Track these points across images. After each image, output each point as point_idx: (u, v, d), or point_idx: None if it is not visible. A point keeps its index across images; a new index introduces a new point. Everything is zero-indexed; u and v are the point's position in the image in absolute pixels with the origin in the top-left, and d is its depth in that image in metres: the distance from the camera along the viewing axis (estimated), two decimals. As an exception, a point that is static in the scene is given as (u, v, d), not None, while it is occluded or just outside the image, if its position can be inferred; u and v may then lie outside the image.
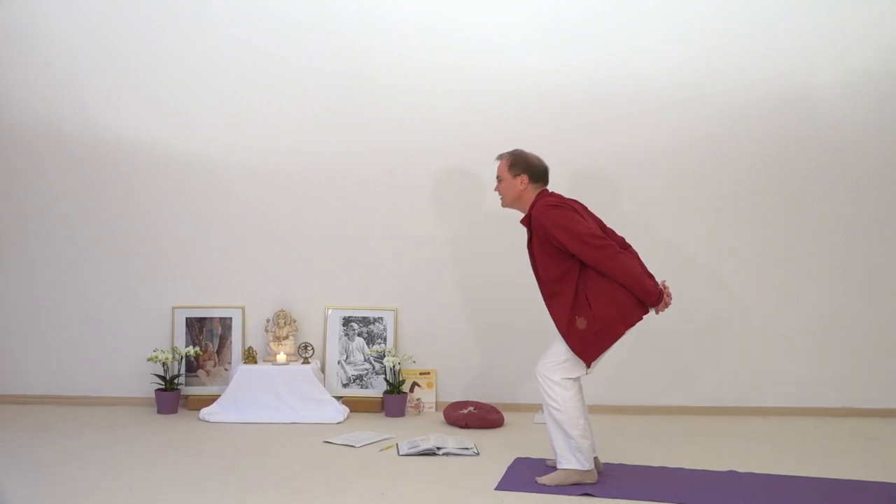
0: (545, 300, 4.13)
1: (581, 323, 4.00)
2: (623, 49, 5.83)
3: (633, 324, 4.06)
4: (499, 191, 4.30)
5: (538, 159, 4.27)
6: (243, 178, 5.90)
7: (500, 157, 4.30)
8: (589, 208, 4.32)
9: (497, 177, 4.29)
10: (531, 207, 4.16)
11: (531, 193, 4.21)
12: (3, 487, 3.93)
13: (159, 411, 5.59)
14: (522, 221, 4.23)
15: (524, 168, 4.21)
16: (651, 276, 4.14)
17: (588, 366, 4.06)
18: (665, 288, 4.12)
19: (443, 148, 5.84)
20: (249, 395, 5.43)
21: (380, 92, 5.86)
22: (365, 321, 5.92)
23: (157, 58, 5.86)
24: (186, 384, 5.81)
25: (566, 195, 4.28)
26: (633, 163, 5.85)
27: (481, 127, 5.77)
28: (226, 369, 5.85)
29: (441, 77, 5.84)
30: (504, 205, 4.33)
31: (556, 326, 4.06)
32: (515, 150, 4.29)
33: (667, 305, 4.11)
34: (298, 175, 5.90)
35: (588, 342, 4.00)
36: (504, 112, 5.82)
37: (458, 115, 5.84)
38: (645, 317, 4.13)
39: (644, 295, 4.03)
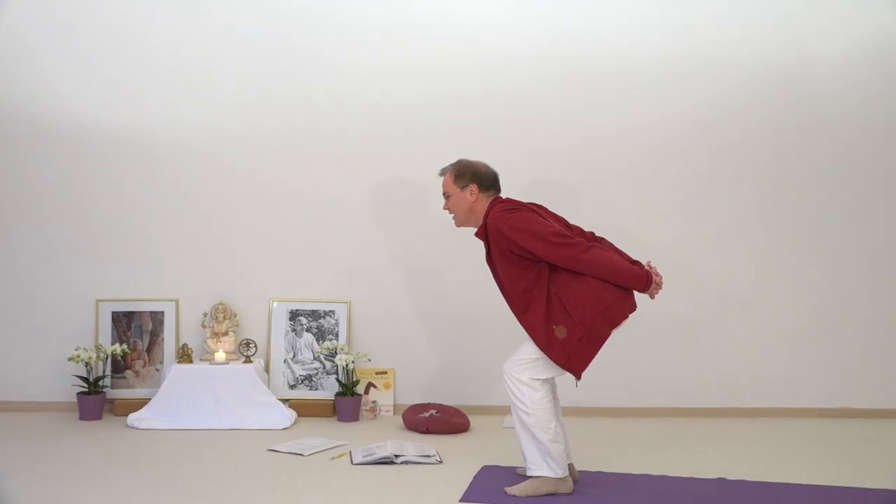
0: (518, 317, 4.14)
1: (560, 332, 4.01)
2: (600, 24, 5.86)
3: (618, 323, 4.09)
4: (448, 209, 4.32)
5: (485, 165, 4.31)
6: (177, 154, 5.86)
7: (442, 172, 4.34)
8: (549, 209, 4.33)
9: (444, 193, 4.32)
10: (485, 217, 4.18)
11: (483, 203, 4.23)
12: None
13: (81, 417, 5.55)
14: (477, 234, 4.24)
15: (471, 177, 4.24)
16: (635, 262, 4.17)
17: (578, 377, 4.08)
18: (652, 268, 4.16)
19: (406, 126, 5.86)
20: (184, 399, 5.40)
21: (331, 69, 5.86)
22: (314, 315, 5.90)
23: (88, 27, 5.78)
24: (112, 386, 5.77)
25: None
26: (610, 148, 5.89)
27: (447, 106, 5.81)
28: (157, 370, 5.81)
29: (403, 50, 5.85)
30: (458, 223, 4.35)
31: (535, 342, 4.06)
32: (458, 161, 4.34)
33: (659, 287, 4.16)
34: (239, 150, 5.87)
35: (572, 352, 4.01)
36: (474, 90, 5.85)
37: (422, 92, 5.85)
38: (635, 309, 4.17)
39: (631, 282, 4.06)
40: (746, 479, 4.43)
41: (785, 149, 5.94)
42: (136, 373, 5.82)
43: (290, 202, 5.91)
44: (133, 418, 5.38)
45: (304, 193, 5.91)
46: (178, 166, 5.87)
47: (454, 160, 4.36)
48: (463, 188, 4.24)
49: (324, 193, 5.91)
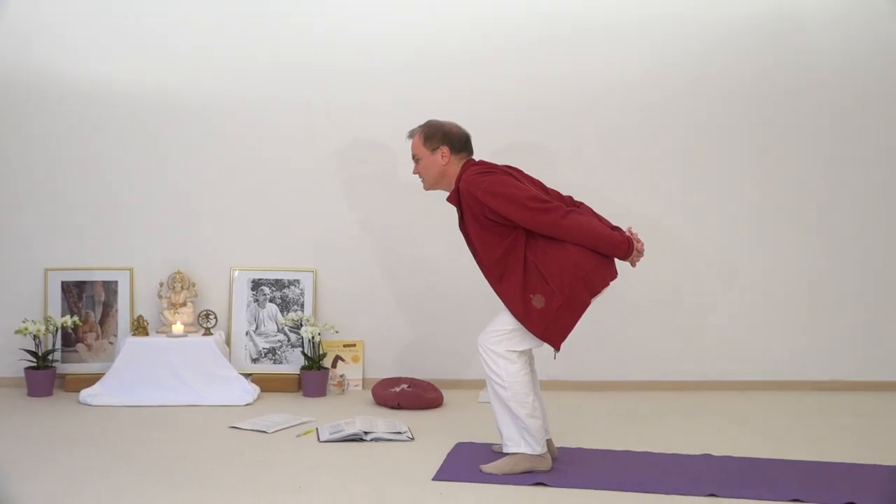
0: (494, 286, 4.14)
1: (538, 301, 4.01)
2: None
3: (599, 291, 4.09)
4: (418, 172, 4.31)
5: (457, 126, 4.30)
6: (132, 117, 5.83)
7: (411, 134, 4.32)
8: (525, 171, 4.31)
9: (413, 156, 4.30)
10: (457, 181, 4.17)
11: (455, 167, 4.23)
12: None
13: (30, 393, 5.53)
14: (450, 199, 4.22)
15: (442, 139, 4.23)
16: (615, 228, 4.17)
17: (557, 349, 4.09)
18: (633, 235, 4.16)
19: (373, 88, 5.84)
20: (139, 374, 5.40)
21: (293, 32, 5.85)
22: (278, 284, 5.88)
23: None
24: (63, 361, 5.75)
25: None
26: (590, 108, 5.89)
27: (414, 67, 5.82)
28: (110, 343, 5.80)
29: (367, 12, 5.86)
30: (427, 187, 4.34)
31: (512, 312, 4.06)
32: (428, 122, 4.32)
33: (640, 254, 4.16)
34: (198, 114, 5.84)
35: (551, 323, 4.02)
36: (443, 50, 5.86)
37: (388, 54, 5.85)
38: (616, 277, 4.16)
39: (611, 248, 4.06)
40: (733, 455, 4.46)
41: (780, 109, 5.94)
42: (89, 346, 5.79)
43: (252, 165, 5.88)
44: (85, 394, 5.36)
45: (268, 156, 5.88)
46: (134, 129, 5.83)
47: (423, 122, 4.33)
48: (433, 150, 4.22)
49: (288, 156, 5.88)
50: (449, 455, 4.41)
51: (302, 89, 5.85)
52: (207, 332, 5.63)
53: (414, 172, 4.33)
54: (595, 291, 4.08)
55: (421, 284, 5.91)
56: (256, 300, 5.88)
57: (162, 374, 5.41)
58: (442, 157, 4.22)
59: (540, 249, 4.04)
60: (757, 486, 4.00)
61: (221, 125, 5.85)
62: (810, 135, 5.96)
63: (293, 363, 5.83)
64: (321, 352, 5.71)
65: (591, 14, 5.85)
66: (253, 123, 5.85)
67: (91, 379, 5.50)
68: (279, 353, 5.86)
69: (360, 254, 5.91)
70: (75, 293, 5.80)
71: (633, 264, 4.20)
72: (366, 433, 4.65)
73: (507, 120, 5.81)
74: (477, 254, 4.17)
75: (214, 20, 5.80)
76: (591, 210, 4.26)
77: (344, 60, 5.84)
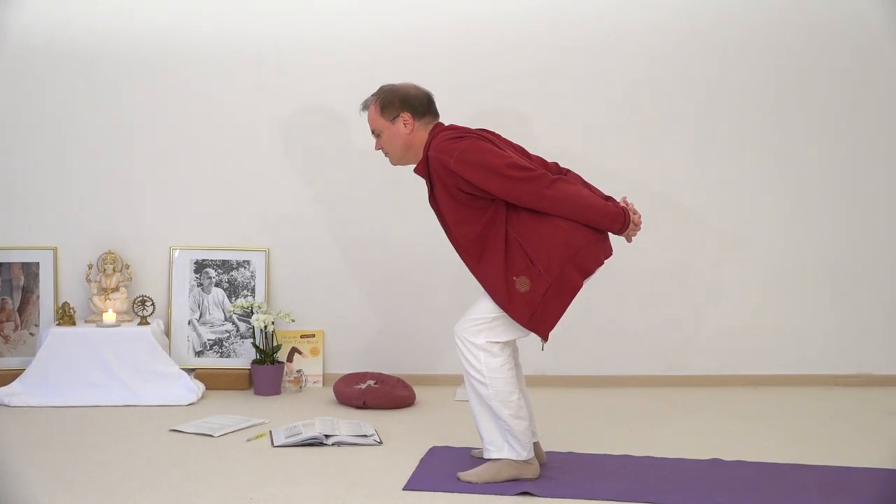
0: (471, 268, 4.14)
1: (522, 284, 4.01)
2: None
3: (592, 271, 4.10)
4: (381, 148, 4.29)
5: (414, 87, 4.28)
6: (52, 66, 5.79)
7: (365, 106, 4.29)
8: (503, 136, 4.30)
9: (372, 131, 4.28)
10: (425, 149, 4.16)
11: (421, 134, 4.21)
12: None
13: (-62, 392, 5.50)
14: (417, 170, 4.22)
15: (401, 105, 4.21)
16: (608, 198, 4.18)
17: (545, 338, 4.10)
18: (629, 205, 4.16)
19: (327, 46, 5.85)
20: (65, 369, 5.41)
21: None
22: (225, 266, 5.90)
23: None
24: (-24, 355, 5.74)
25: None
26: (577, 59, 5.89)
27: (370, 18, 5.82)
28: (31, 334, 5.81)
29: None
30: (395, 162, 4.32)
31: (493, 298, 4.06)
32: (381, 88, 4.29)
33: (637, 227, 4.17)
34: (134, 73, 5.82)
35: (537, 309, 4.02)
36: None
37: (342, 5, 5.84)
38: (611, 255, 4.18)
39: (605, 221, 4.07)
40: (745, 459, 4.48)
41: (796, 56, 5.94)
42: (6, 338, 5.80)
43: (194, 131, 5.88)
44: (2, 394, 5.35)
45: (212, 121, 5.88)
46: (58, 88, 5.81)
47: (376, 89, 4.30)
48: (394, 120, 4.20)
49: (235, 121, 5.88)
50: (422, 461, 4.42)
51: (250, 45, 5.82)
52: (144, 322, 5.62)
53: (376, 149, 4.31)
54: (587, 272, 4.08)
55: (389, 266, 5.92)
56: (200, 284, 5.88)
57: (91, 369, 5.42)
58: (405, 126, 4.20)
59: (523, 225, 4.04)
60: (772, 494, 4.02)
61: (160, 81, 5.83)
62: (835, 92, 5.97)
63: (243, 356, 5.85)
64: (275, 343, 5.71)
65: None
66: (197, 80, 5.84)
67: (9, 376, 5.50)
68: (227, 345, 5.87)
69: (319, 231, 5.91)
70: (-10, 277, 5.80)
71: (629, 240, 4.21)
72: (326, 437, 4.65)
73: (482, 79, 5.81)
74: (450, 231, 4.17)
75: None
76: (580, 178, 4.26)
77: (293, 12, 5.82)
